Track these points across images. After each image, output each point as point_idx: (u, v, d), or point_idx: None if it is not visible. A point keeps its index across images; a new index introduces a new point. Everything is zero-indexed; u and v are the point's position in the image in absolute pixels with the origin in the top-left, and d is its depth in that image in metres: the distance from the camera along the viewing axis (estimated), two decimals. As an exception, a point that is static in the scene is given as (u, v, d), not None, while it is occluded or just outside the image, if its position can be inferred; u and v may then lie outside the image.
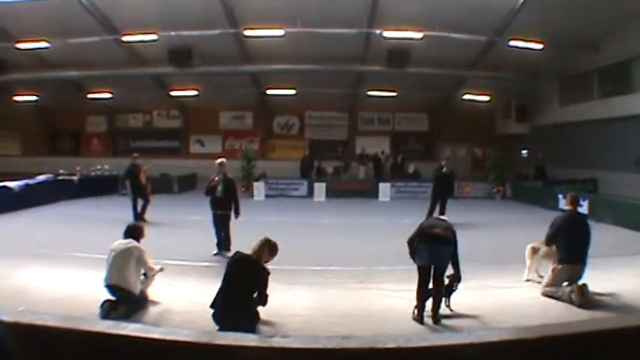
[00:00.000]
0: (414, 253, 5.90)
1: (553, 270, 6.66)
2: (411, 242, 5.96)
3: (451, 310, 5.89)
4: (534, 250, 7.28)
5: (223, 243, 8.74)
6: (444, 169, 12.64)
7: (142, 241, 6.26)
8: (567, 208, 7.12)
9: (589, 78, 19.50)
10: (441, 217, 7.75)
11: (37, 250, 8.58)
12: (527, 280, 7.17)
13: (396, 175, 22.39)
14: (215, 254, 8.66)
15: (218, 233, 8.78)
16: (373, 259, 8.55)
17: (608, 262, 7.91)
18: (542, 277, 7.05)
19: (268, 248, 5.43)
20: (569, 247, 6.59)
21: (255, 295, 5.24)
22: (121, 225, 6.60)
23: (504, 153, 21.86)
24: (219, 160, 9.20)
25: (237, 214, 8.78)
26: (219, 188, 8.77)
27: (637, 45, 15.96)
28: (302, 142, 26.45)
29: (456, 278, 5.92)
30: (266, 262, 5.41)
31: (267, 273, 5.28)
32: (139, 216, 12.16)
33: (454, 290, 5.95)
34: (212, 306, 5.13)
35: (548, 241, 6.82)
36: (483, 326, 5.54)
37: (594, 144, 18.77)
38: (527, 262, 7.28)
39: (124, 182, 13.28)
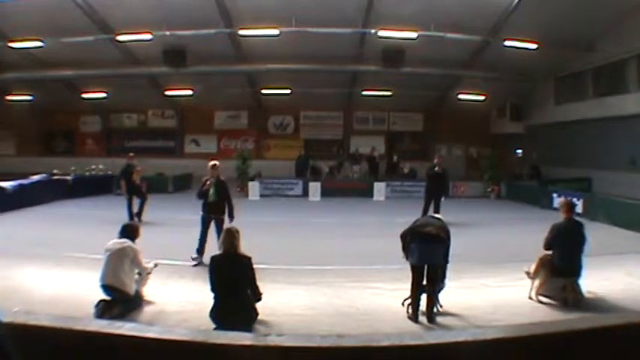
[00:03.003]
0: (406, 249, 5.92)
1: (539, 275, 6.54)
2: (404, 237, 5.98)
3: (440, 306, 5.90)
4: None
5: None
6: (436, 168, 12.66)
7: (137, 240, 6.25)
8: (563, 215, 6.77)
9: (584, 78, 19.58)
10: (436, 215, 7.77)
11: (31, 250, 8.55)
12: (527, 273, 6.79)
13: (391, 175, 22.39)
14: (194, 258, 8.21)
15: (202, 237, 8.32)
16: (368, 258, 8.57)
17: (601, 261, 7.95)
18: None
19: (238, 236, 5.44)
20: (565, 259, 6.49)
21: (249, 291, 5.27)
22: (115, 225, 6.58)
23: (499, 152, 21.93)
24: (211, 163, 8.81)
25: (231, 217, 8.46)
26: (211, 192, 8.45)
27: (631, 45, 16.04)
28: (297, 142, 26.40)
29: (442, 276, 5.93)
30: None
31: (249, 258, 5.33)
32: (135, 215, 12.14)
33: (441, 289, 5.97)
34: (211, 314, 5.12)
35: (547, 245, 6.68)
36: (477, 324, 5.57)
37: (589, 143, 18.87)
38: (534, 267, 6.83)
39: (119, 182, 13.23)
